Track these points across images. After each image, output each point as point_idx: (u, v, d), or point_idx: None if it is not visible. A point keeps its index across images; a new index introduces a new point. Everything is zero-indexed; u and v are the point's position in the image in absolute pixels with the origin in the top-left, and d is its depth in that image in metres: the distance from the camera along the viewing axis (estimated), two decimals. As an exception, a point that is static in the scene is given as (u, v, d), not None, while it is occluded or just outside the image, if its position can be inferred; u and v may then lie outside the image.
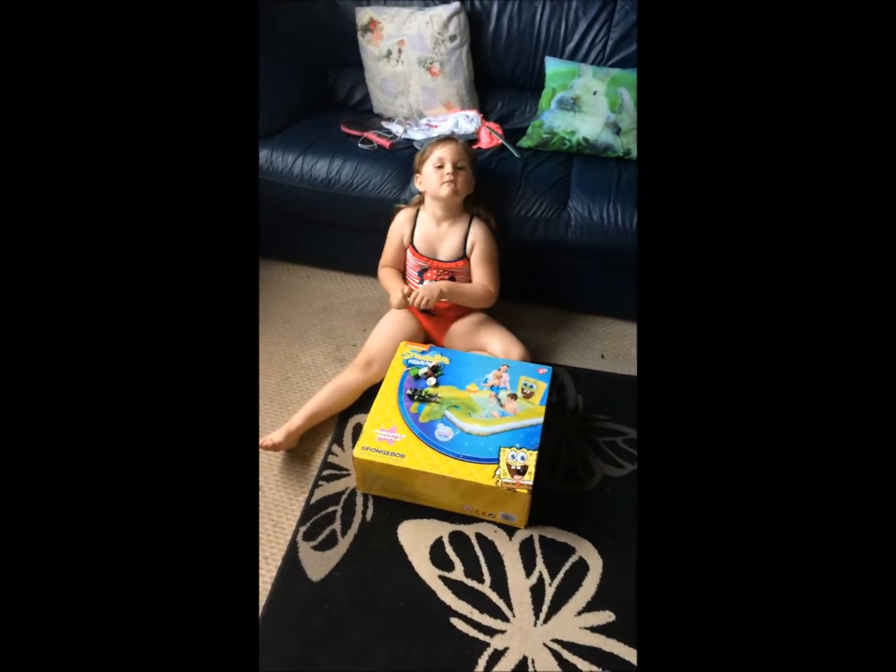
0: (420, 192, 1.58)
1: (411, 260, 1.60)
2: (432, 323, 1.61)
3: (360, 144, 1.76)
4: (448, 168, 1.47)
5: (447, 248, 1.56)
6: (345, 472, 1.35)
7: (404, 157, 1.70)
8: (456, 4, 1.82)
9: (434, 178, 1.49)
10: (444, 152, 1.49)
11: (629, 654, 1.05)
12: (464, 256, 1.56)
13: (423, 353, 1.43)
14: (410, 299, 1.48)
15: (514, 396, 1.33)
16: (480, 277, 1.57)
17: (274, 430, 1.37)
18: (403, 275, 1.66)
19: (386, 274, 1.64)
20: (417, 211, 1.59)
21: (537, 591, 1.14)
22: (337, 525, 1.25)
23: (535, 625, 1.10)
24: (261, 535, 1.23)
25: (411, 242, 1.58)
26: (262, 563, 1.18)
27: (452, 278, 1.58)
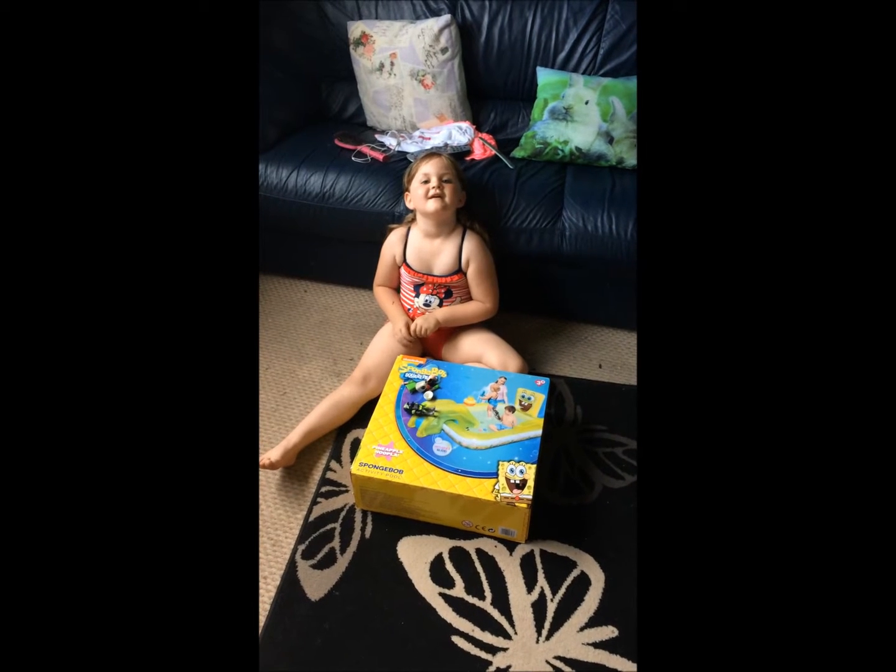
0: (411, 211, 1.59)
1: (406, 276, 1.60)
2: (430, 336, 1.60)
3: (353, 158, 1.76)
4: (434, 182, 1.48)
5: (441, 263, 1.56)
6: (343, 489, 1.34)
7: (398, 170, 1.70)
8: (447, 17, 1.83)
9: (421, 193, 1.49)
10: (429, 167, 1.50)
11: (633, 670, 1.04)
12: (459, 270, 1.55)
13: (419, 366, 1.43)
14: (410, 331, 1.53)
15: (511, 409, 1.32)
16: (479, 294, 1.58)
17: (272, 446, 1.37)
18: (398, 290, 1.67)
19: (382, 295, 1.65)
20: (408, 230, 1.59)
21: (539, 607, 1.13)
22: (336, 543, 1.24)
23: (538, 641, 1.08)
24: (259, 555, 1.22)
25: (404, 261, 1.58)
26: (260, 583, 1.17)
27: (449, 292, 1.58)
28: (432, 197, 1.47)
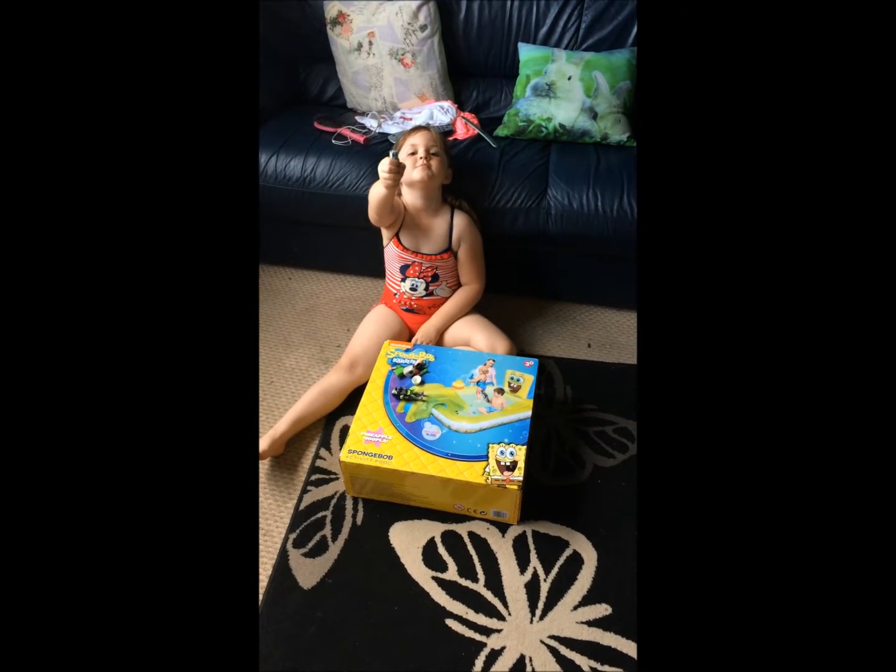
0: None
1: (394, 251, 1.57)
2: (416, 320, 1.59)
3: (333, 141, 1.72)
4: (421, 153, 1.47)
5: (431, 241, 1.54)
6: (333, 476, 1.33)
7: (379, 152, 1.66)
8: (425, -7, 1.78)
9: (408, 164, 1.47)
10: (416, 139, 1.49)
11: (627, 647, 1.05)
12: (448, 249, 1.54)
13: (407, 351, 1.41)
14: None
15: (500, 391, 1.31)
16: (467, 274, 1.57)
17: (260, 436, 1.35)
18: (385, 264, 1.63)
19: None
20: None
21: (532, 588, 1.13)
22: (327, 530, 1.23)
23: (532, 622, 1.09)
24: (250, 545, 1.21)
25: (397, 235, 1.54)
26: (252, 574, 1.16)
27: (436, 276, 1.56)
28: (419, 166, 1.46)
